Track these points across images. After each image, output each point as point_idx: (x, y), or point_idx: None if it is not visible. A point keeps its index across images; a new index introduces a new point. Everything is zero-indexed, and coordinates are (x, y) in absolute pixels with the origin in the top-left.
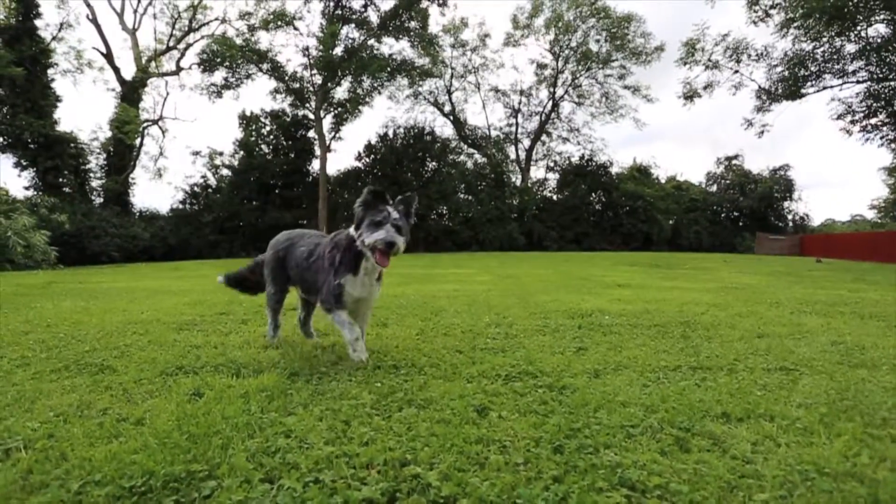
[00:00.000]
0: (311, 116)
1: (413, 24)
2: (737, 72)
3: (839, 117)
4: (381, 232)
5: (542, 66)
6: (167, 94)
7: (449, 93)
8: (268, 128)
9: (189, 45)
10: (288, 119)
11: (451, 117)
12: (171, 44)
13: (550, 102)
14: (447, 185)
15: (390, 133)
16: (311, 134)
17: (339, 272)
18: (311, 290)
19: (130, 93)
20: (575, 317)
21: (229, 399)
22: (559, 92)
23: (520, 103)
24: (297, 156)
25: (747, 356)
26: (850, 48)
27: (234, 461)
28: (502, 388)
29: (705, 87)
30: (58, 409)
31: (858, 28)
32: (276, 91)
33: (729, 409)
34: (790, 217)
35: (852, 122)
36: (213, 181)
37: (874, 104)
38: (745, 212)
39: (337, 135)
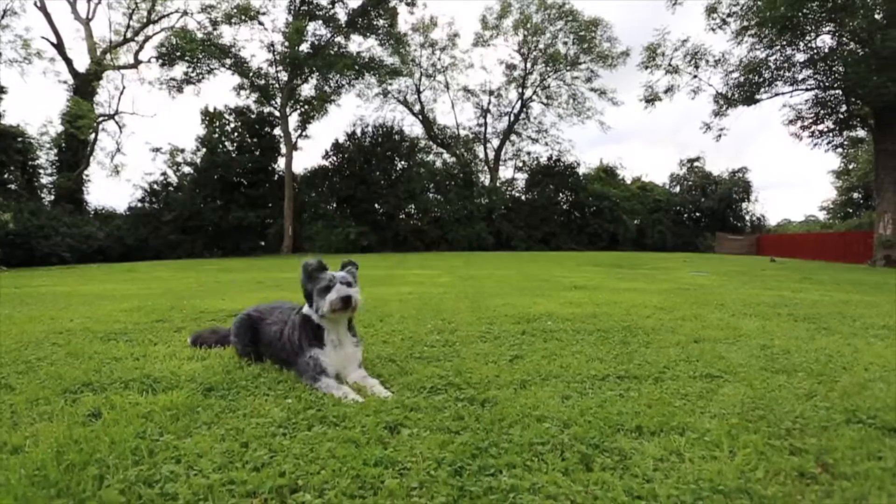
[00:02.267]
0: (277, 114)
1: (381, 21)
2: (695, 76)
3: (790, 123)
4: (332, 293)
5: (510, 67)
6: (124, 87)
7: (418, 92)
8: (231, 125)
9: (148, 38)
10: (253, 116)
11: (421, 116)
12: (129, 35)
13: (519, 103)
14: (416, 185)
15: (358, 131)
16: (277, 131)
17: (305, 348)
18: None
19: (84, 86)
20: (521, 321)
21: (128, 420)
22: (528, 93)
23: (489, 103)
24: (262, 154)
25: (678, 363)
26: (800, 57)
27: (104, 495)
28: (423, 401)
29: (666, 91)
30: None
31: (808, 38)
32: (241, 87)
33: (644, 423)
34: (748, 218)
35: (802, 127)
36: (173, 179)
37: (821, 111)
38: (706, 212)
39: (303, 132)
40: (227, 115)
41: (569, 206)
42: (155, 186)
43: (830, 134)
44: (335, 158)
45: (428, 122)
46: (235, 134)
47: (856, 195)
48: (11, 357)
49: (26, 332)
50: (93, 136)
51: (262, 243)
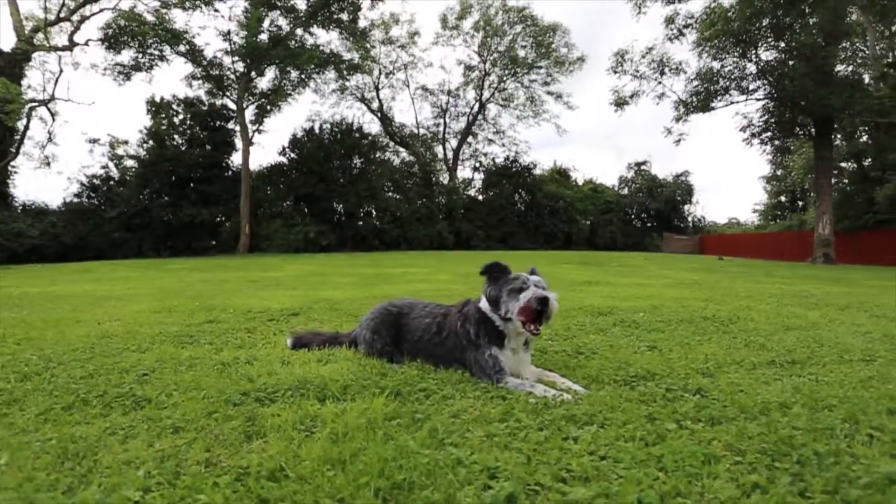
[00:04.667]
0: (232, 106)
1: (344, 15)
2: (660, 83)
3: (742, 129)
4: (527, 293)
5: (469, 68)
6: (61, 71)
7: (377, 89)
8: (181, 116)
9: (85, 18)
10: (204, 108)
11: (379, 114)
12: (64, 14)
13: (477, 104)
14: (375, 184)
15: (316, 128)
16: (231, 125)
17: (483, 344)
18: (443, 364)
19: (10, 66)
20: (596, 315)
21: (361, 433)
22: (486, 94)
23: (447, 103)
24: (215, 148)
25: (812, 348)
26: (752, 69)
27: None
28: (635, 394)
29: (632, 96)
30: (139, 466)
31: (758, 51)
32: (193, 77)
33: (892, 406)
34: (690, 219)
35: (752, 134)
36: (115, 173)
37: (770, 120)
38: (652, 213)
39: (260, 127)
40: (175, 106)
41: (525, 207)
42: (95, 181)
43: (777, 141)
44: (293, 154)
45: (386, 120)
46: (185, 126)
47: (783, 199)
48: (98, 364)
49: (70, 337)
50: (21, 123)
51: (214, 242)
